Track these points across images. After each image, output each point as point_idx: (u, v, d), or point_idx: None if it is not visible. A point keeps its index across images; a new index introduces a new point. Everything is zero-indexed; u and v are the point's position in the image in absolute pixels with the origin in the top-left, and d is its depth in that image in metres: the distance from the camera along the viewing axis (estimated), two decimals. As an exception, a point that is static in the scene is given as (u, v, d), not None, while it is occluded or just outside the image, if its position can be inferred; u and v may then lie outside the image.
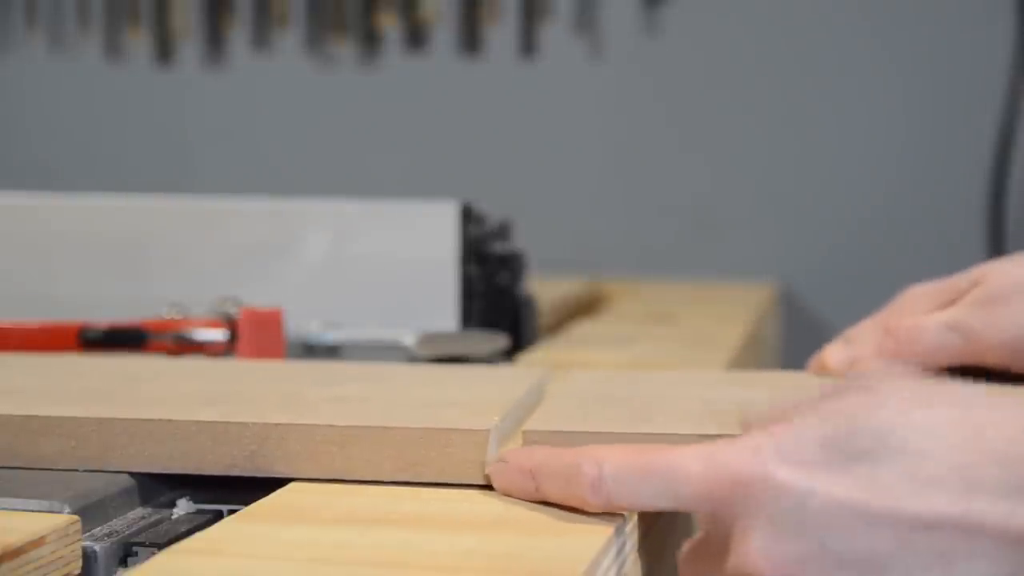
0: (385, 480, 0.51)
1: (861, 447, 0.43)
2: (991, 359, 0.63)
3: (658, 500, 0.46)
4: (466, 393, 0.60)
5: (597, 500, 0.46)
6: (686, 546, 0.48)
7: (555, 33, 1.59)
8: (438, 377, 0.66)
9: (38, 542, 0.43)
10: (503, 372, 0.72)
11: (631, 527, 0.48)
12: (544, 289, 1.02)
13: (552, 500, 0.48)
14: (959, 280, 0.65)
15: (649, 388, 0.63)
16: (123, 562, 0.48)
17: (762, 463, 0.44)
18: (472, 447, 0.50)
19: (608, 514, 0.47)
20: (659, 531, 0.52)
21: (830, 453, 0.43)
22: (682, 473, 0.45)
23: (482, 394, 0.59)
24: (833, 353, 0.66)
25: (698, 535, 0.47)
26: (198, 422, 0.51)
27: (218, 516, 0.51)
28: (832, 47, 1.53)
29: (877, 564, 0.43)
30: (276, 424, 0.51)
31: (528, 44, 1.60)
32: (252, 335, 0.74)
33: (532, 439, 0.52)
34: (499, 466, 0.50)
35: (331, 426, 0.51)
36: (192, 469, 0.52)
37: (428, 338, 0.79)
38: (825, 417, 0.45)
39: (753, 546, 0.43)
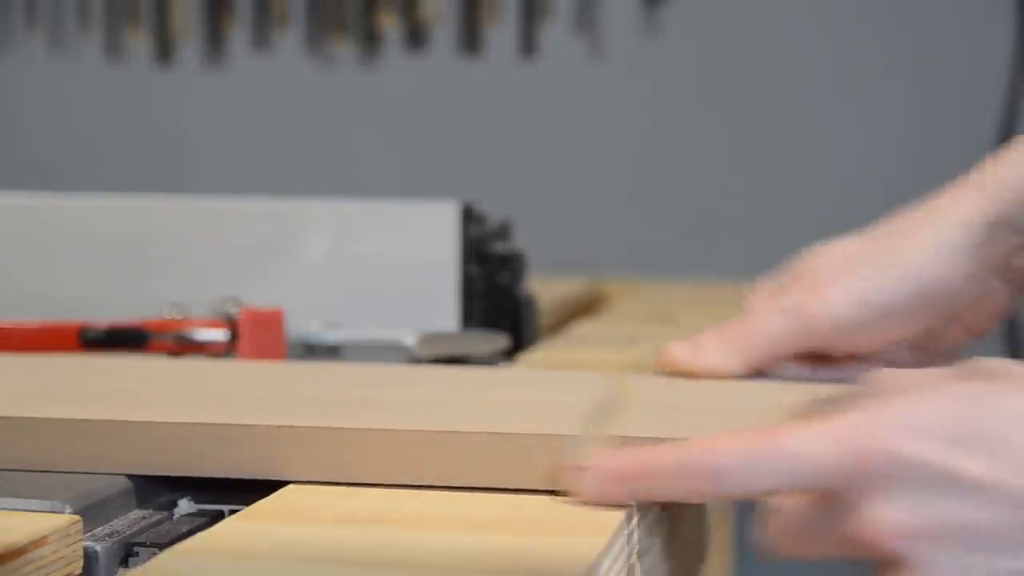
0: (459, 486, 0.50)
1: (986, 426, 0.44)
2: (820, 340, 0.66)
3: (779, 484, 0.45)
4: (542, 397, 0.59)
5: (716, 491, 0.46)
6: (780, 518, 0.47)
7: (555, 33, 1.59)
8: (509, 381, 0.65)
9: (39, 542, 0.43)
10: (570, 377, 0.70)
11: (633, 526, 0.48)
12: (544, 289, 1.02)
13: (659, 499, 0.48)
14: (785, 271, 0.69)
15: (723, 396, 0.63)
16: (124, 562, 0.48)
17: (888, 437, 0.44)
18: (554, 453, 0.49)
19: (609, 513, 0.47)
20: (661, 530, 0.52)
21: (956, 429, 0.44)
22: (806, 454, 0.44)
23: (557, 399, 0.58)
24: (677, 345, 0.68)
25: (792, 508, 0.47)
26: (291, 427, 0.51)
27: (219, 516, 0.51)
28: (832, 47, 1.53)
29: (991, 542, 0.43)
30: (355, 429, 0.51)
31: (528, 44, 1.60)
32: (252, 335, 0.74)
33: (625, 446, 0.50)
34: (583, 474, 0.48)
35: (419, 431, 0.50)
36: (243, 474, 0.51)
37: (428, 338, 0.79)
38: (949, 394, 0.45)
39: (872, 517, 0.44)
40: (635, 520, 0.48)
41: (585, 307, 1.23)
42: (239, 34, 1.68)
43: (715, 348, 0.66)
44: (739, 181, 1.56)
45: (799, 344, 0.66)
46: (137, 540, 0.48)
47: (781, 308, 0.66)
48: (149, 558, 0.46)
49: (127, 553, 0.48)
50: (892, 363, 0.65)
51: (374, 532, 0.45)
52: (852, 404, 0.46)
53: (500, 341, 0.81)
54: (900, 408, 0.45)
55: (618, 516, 0.47)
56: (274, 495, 0.49)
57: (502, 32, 1.61)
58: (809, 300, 0.66)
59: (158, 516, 0.51)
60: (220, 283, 0.83)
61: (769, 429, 0.46)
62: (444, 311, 0.85)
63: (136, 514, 0.50)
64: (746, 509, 0.50)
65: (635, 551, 0.48)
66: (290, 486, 0.51)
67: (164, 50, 1.70)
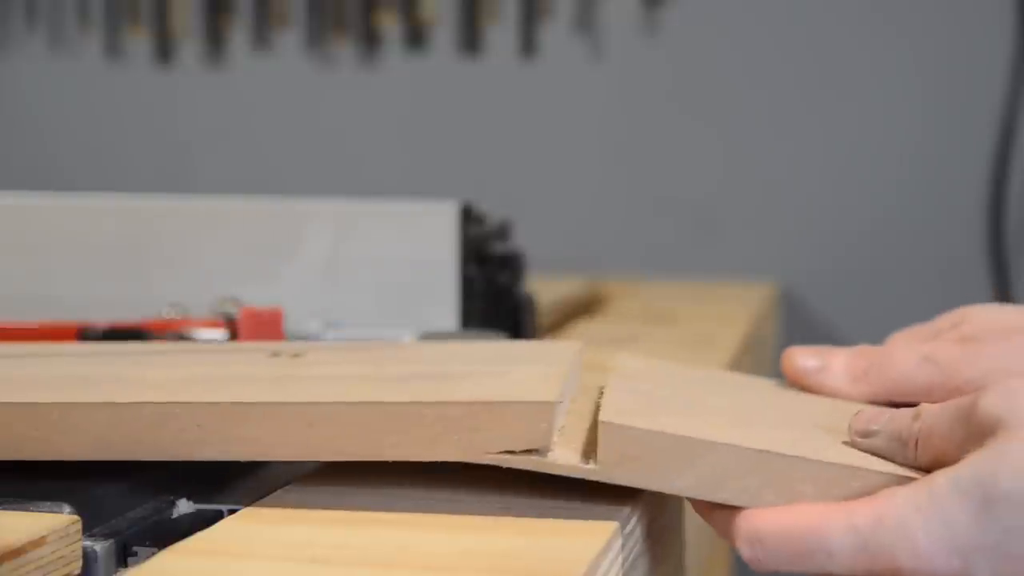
0: (440, 459, 0.48)
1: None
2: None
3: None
4: (511, 366, 0.56)
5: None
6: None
7: (555, 33, 1.59)
8: (474, 352, 0.62)
9: (38, 542, 0.43)
10: (539, 347, 0.66)
11: (631, 527, 0.48)
12: (544, 289, 1.02)
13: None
14: (940, 322, 0.65)
15: (699, 385, 0.61)
16: (123, 562, 0.48)
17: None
18: (535, 421, 0.47)
19: (605, 519, 0.47)
20: (659, 531, 0.52)
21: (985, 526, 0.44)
22: None
23: (532, 369, 0.55)
24: (802, 356, 0.64)
25: None
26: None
27: (218, 516, 0.51)
28: (831, 47, 1.53)
29: None
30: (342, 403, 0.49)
31: (528, 44, 1.60)
32: (252, 335, 0.74)
33: (611, 433, 0.48)
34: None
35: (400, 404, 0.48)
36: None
37: (428, 338, 0.79)
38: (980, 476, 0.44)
39: None
40: (634, 521, 0.48)
41: (585, 307, 1.23)
42: (239, 34, 1.68)
43: (843, 373, 0.63)
44: (739, 181, 1.56)
45: (931, 395, 0.62)
46: (136, 540, 0.48)
47: (928, 357, 0.61)
48: (148, 558, 0.46)
49: (126, 553, 0.48)
50: None
51: (373, 532, 0.45)
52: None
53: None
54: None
55: (617, 517, 0.47)
56: (273, 495, 0.50)
57: (502, 32, 1.61)
58: (956, 354, 0.61)
59: (157, 516, 0.51)
60: (220, 283, 0.83)
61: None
62: (444, 311, 0.85)
63: (135, 514, 0.50)
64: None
65: (633, 551, 0.49)
66: (288, 486, 0.51)
67: (164, 50, 1.70)
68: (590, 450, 0.49)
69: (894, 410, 0.51)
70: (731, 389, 0.62)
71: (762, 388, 0.63)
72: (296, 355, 0.59)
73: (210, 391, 0.51)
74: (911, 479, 0.47)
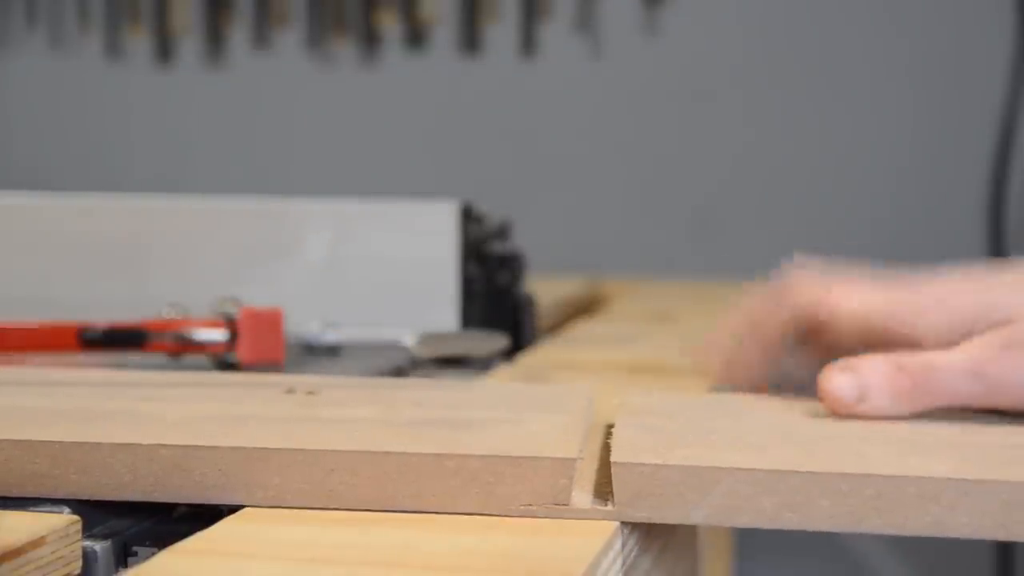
0: (462, 512, 0.48)
1: None
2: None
3: None
4: (526, 413, 0.55)
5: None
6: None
7: (555, 33, 1.59)
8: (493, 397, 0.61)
9: (38, 542, 0.43)
10: (551, 392, 0.65)
11: (632, 527, 0.48)
12: (544, 289, 1.02)
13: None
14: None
15: (706, 412, 0.60)
16: (123, 562, 0.48)
17: None
18: (556, 476, 0.47)
19: (603, 520, 0.47)
20: (660, 531, 0.52)
21: None
22: None
23: (548, 418, 0.55)
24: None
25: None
26: None
27: (217, 516, 0.51)
28: (831, 47, 1.53)
29: None
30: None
31: (528, 44, 1.60)
32: (252, 335, 0.74)
33: (624, 472, 0.48)
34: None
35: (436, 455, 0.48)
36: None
37: (428, 338, 0.79)
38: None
39: None
40: (629, 527, 0.48)
41: (585, 307, 1.23)
42: (239, 33, 1.68)
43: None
44: (738, 181, 1.56)
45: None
46: (136, 540, 0.48)
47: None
48: (148, 558, 0.46)
49: (126, 553, 0.48)
50: None
51: (374, 532, 0.45)
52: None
53: (500, 341, 0.81)
54: None
55: (613, 522, 0.47)
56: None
57: (502, 32, 1.61)
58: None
59: (157, 516, 0.51)
60: (220, 283, 0.83)
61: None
62: (444, 311, 0.85)
63: (135, 514, 0.50)
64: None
65: (633, 552, 0.48)
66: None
67: (164, 49, 1.70)
68: (604, 490, 0.49)
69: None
70: (738, 411, 0.61)
71: (769, 406, 0.63)
72: (311, 392, 0.59)
73: (230, 434, 0.50)
74: (924, 478, 0.47)
